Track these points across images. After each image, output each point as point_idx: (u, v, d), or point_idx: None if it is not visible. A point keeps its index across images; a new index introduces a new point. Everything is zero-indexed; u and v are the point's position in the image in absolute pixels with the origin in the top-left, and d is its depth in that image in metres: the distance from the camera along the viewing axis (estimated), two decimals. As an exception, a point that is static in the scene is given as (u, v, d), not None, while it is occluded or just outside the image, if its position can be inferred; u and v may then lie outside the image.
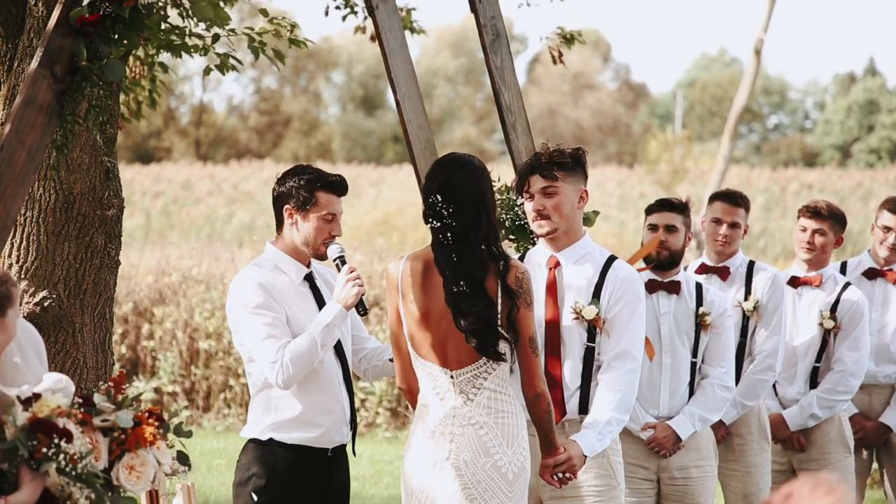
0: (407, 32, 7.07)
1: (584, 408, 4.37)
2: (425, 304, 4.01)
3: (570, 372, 4.37)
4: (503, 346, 3.98)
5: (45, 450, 2.86)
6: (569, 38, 6.15)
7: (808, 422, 5.74)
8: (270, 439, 4.34)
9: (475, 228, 3.96)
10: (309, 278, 4.46)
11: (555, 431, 4.13)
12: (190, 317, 12.81)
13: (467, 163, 4.06)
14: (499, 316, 3.95)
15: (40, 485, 2.86)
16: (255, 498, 4.30)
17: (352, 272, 4.34)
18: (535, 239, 5.01)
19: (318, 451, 4.37)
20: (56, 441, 2.87)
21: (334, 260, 4.42)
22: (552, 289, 4.42)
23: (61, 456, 2.86)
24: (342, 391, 4.43)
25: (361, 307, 4.38)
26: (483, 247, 3.97)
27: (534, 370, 4.03)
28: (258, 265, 4.42)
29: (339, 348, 4.43)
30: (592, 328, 4.37)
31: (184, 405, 12.48)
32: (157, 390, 12.53)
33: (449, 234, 3.96)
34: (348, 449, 4.50)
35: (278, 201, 4.43)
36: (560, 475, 4.15)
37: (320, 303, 4.44)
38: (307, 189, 4.36)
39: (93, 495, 2.89)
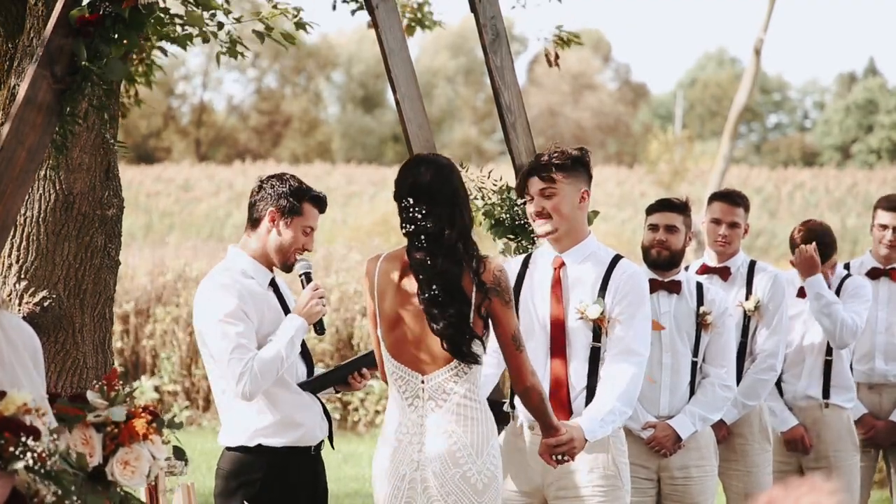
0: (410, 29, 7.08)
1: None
2: (399, 306, 3.96)
3: (576, 372, 4.36)
4: (476, 348, 3.92)
5: (12, 448, 2.84)
6: (565, 41, 6.13)
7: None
8: (259, 445, 4.31)
9: (449, 226, 3.91)
10: (273, 283, 4.45)
11: (552, 416, 4.10)
12: (188, 315, 12.82)
13: (434, 161, 4.03)
14: (472, 315, 3.90)
15: (9, 483, 2.84)
16: None
17: (317, 290, 4.37)
18: (536, 238, 5.00)
19: (303, 450, 4.37)
20: (24, 439, 2.85)
21: (300, 275, 4.43)
22: (557, 289, 4.41)
23: (28, 454, 2.84)
24: None
25: (320, 326, 4.41)
26: (459, 245, 3.92)
27: (520, 366, 3.99)
28: (227, 270, 4.39)
29: (303, 348, 4.44)
30: (597, 328, 4.36)
31: (184, 405, 12.48)
32: (157, 389, 12.53)
33: (422, 237, 3.91)
34: (326, 444, 4.50)
35: (261, 202, 4.41)
36: (559, 457, 4.13)
37: (285, 308, 4.44)
38: (296, 197, 4.37)
39: (59, 491, 2.88)
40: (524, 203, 4.54)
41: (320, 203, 4.43)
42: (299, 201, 4.37)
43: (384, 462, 4.00)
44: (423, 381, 3.95)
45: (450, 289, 3.87)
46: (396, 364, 3.98)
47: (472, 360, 3.91)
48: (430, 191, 3.92)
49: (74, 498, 2.91)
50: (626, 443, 4.43)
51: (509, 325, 3.95)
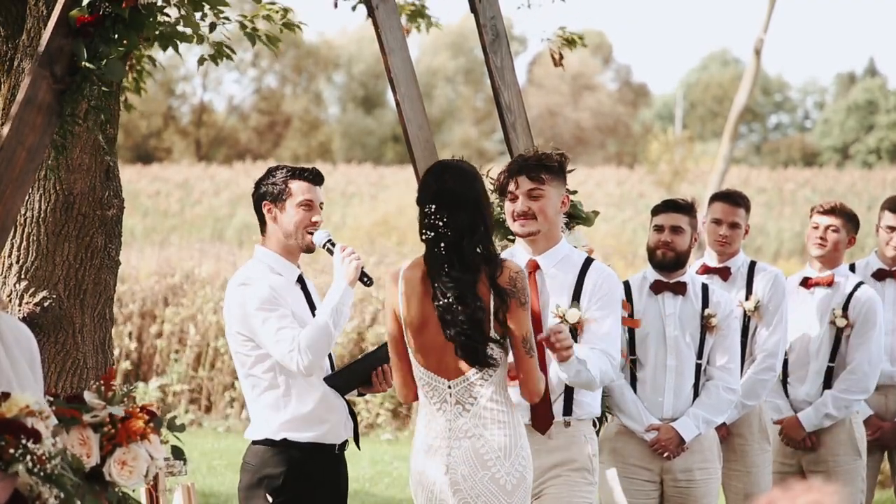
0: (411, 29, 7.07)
1: (568, 410, 4.39)
2: (424, 313, 3.98)
3: (555, 375, 4.36)
4: (494, 352, 3.95)
5: (11, 450, 2.83)
6: (570, 41, 6.12)
7: (823, 422, 5.72)
8: (284, 439, 4.36)
9: (469, 234, 3.93)
10: (300, 280, 4.49)
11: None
12: (192, 317, 12.80)
13: (457, 168, 4.05)
14: (491, 318, 3.93)
15: (10, 485, 2.83)
16: (271, 499, 4.31)
17: (345, 249, 4.41)
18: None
19: (327, 448, 4.41)
20: (24, 442, 2.84)
21: (324, 245, 4.46)
22: (532, 292, 4.41)
23: (28, 457, 2.83)
24: None
25: (366, 278, 4.43)
26: (478, 250, 3.94)
27: (529, 371, 3.99)
28: (255, 267, 4.45)
29: None
30: (574, 331, 4.38)
31: (186, 407, 12.47)
32: (163, 391, 12.53)
33: (442, 245, 3.93)
34: (351, 444, 4.54)
35: (257, 202, 4.50)
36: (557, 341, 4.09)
37: (311, 305, 4.48)
38: (281, 182, 4.45)
39: (62, 494, 2.87)
40: (502, 201, 4.56)
41: (307, 176, 4.47)
42: (284, 184, 4.44)
43: (419, 468, 4.05)
44: (449, 386, 3.98)
45: (463, 296, 3.90)
46: (423, 370, 4.02)
47: (486, 364, 3.93)
48: (452, 198, 3.94)
49: (77, 501, 2.90)
50: (597, 441, 4.48)
51: (521, 328, 3.96)
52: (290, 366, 4.28)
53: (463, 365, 3.96)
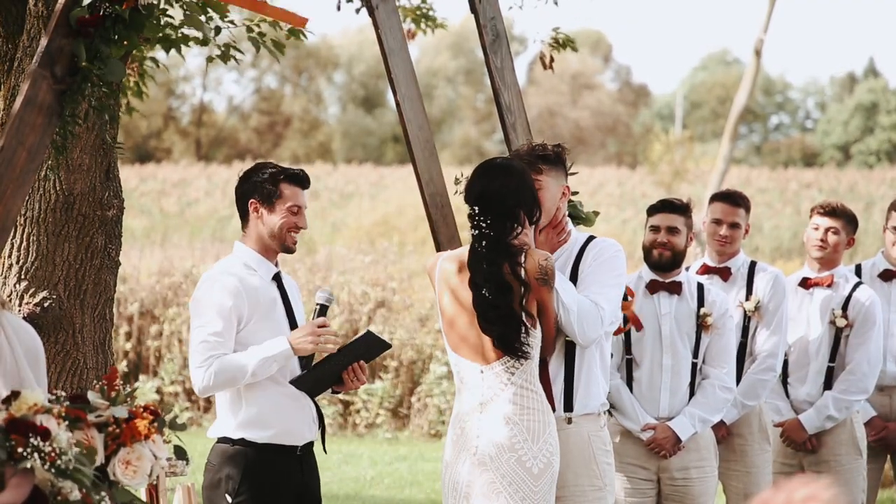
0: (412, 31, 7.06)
1: (569, 405, 4.31)
2: (458, 302, 4.13)
3: (555, 366, 4.33)
4: (528, 342, 4.06)
5: (20, 449, 2.83)
6: (561, 44, 6.12)
7: (825, 424, 5.72)
8: (242, 439, 4.33)
9: (510, 232, 4.07)
10: (277, 278, 4.47)
11: None
12: (186, 319, 12.81)
13: (500, 168, 4.15)
14: (523, 309, 4.05)
15: (28, 481, 2.83)
16: (230, 499, 4.29)
17: (321, 326, 4.34)
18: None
19: (287, 449, 4.37)
20: (32, 441, 2.83)
21: (316, 304, 4.41)
22: None
23: (36, 455, 2.83)
24: None
25: (307, 361, 4.39)
26: (514, 242, 4.07)
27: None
28: (231, 264, 4.43)
29: None
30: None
31: (185, 405, 12.48)
32: (158, 391, 12.54)
33: (484, 243, 4.07)
34: (318, 448, 4.50)
35: (243, 197, 4.46)
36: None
37: (286, 303, 4.45)
38: (271, 182, 4.41)
39: (83, 489, 2.87)
40: None
41: (299, 180, 4.46)
42: (276, 185, 4.41)
43: (449, 449, 4.19)
44: (482, 372, 4.11)
45: (500, 290, 4.03)
46: (457, 357, 4.17)
47: (520, 355, 4.06)
48: (494, 200, 4.08)
49: (103, 493, 2.91)
50: (609, 444, 4.41)
51: (553, 311, 4.13)
52: (192, 377, 4.27)
53: (494, 353, 4.08)
